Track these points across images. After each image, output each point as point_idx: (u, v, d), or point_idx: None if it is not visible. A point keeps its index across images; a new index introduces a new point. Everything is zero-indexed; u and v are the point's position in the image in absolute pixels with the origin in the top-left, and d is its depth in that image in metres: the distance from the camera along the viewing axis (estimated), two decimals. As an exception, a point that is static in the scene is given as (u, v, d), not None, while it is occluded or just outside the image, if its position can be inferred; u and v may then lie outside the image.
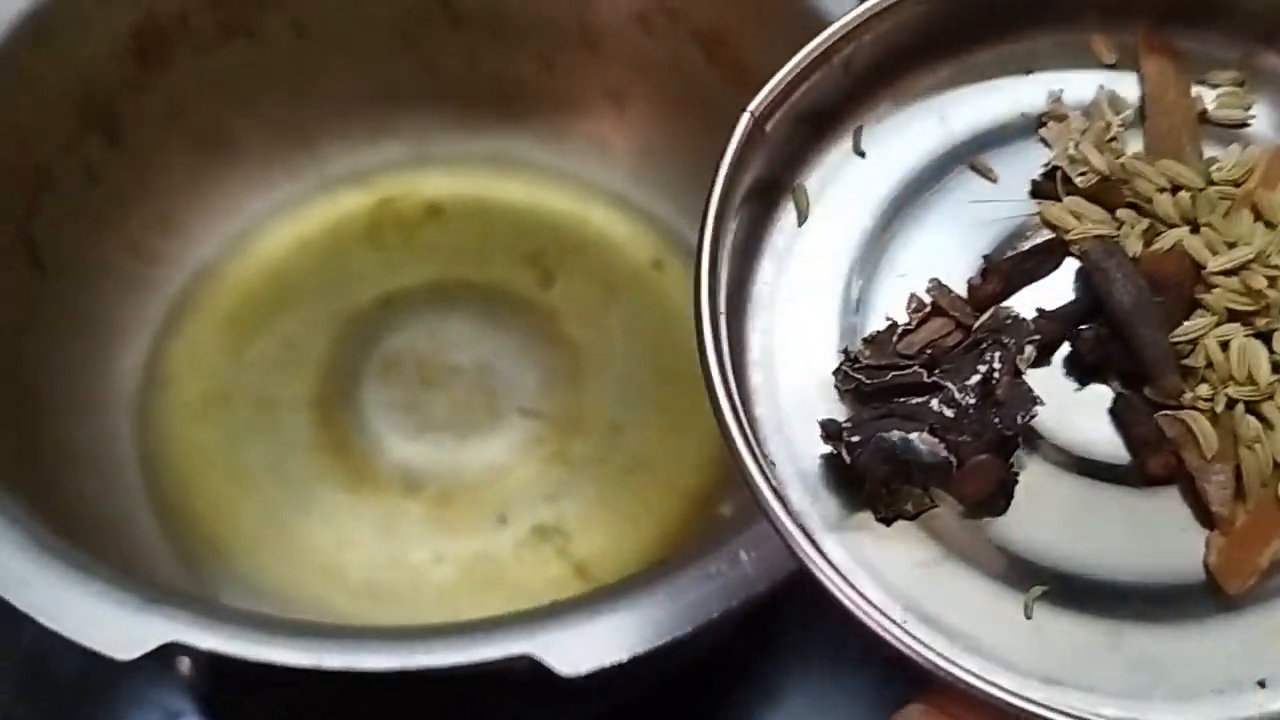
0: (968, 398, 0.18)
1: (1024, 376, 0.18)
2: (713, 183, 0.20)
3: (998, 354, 0.18)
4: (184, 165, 0.44)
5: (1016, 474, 0.18)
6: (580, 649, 0.27)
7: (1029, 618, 0.18)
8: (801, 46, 0.38)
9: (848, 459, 0.18)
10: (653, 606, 0.27)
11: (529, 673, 0.27)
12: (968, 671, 0.17)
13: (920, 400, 0.18)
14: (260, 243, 0.45)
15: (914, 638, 0.17)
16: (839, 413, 0.19)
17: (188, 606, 0.29)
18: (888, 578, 0.18)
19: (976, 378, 0.18)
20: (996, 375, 0.18)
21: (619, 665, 0.27)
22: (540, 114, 0.47)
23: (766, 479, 0.18)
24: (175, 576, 0.38)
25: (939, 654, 0.17)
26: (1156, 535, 0.18)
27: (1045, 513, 0.19)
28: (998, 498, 0.18)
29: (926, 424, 0.18)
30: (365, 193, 0.46)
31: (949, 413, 0.18)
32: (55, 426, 0.39)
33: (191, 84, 0.43)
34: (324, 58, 0.45)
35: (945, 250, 0.20)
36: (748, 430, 0.18)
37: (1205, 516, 0.18)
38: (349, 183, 0.46)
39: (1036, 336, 0.19)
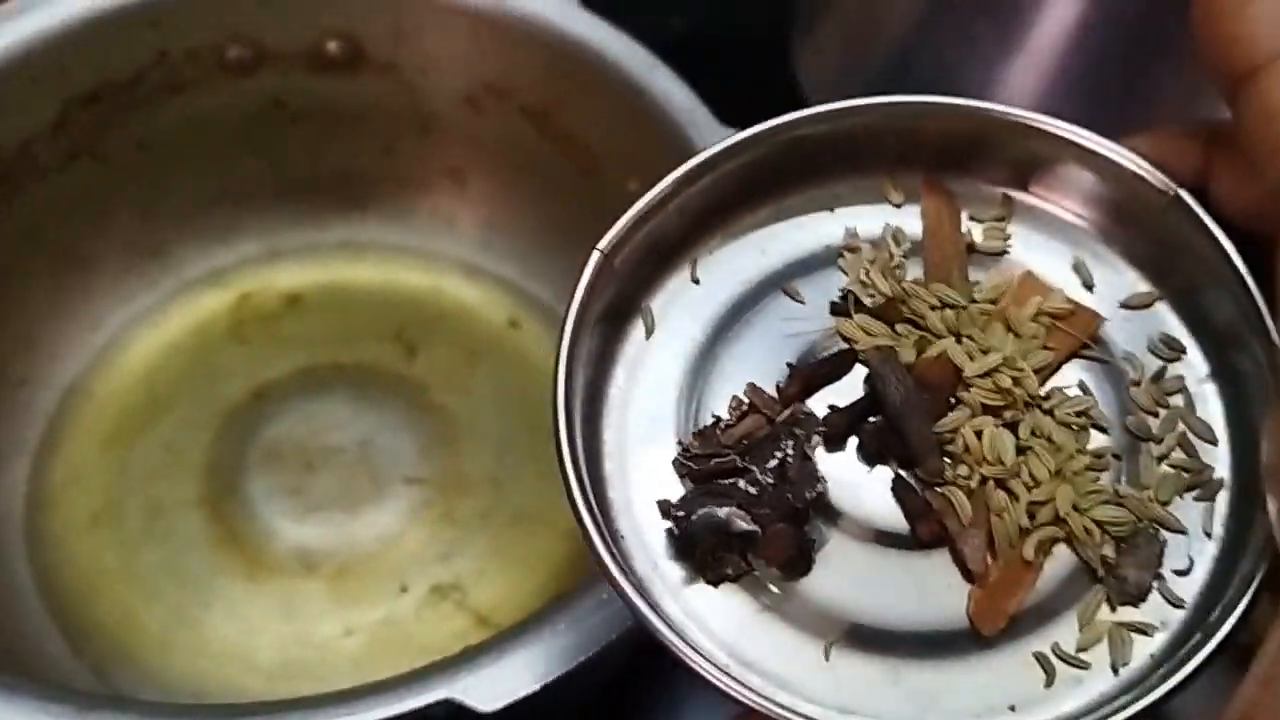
0: (767, 478, 0.22)
1: (813, 460, 0.22)
2: (568, 309, 0.23)
3: (790, 442, 0.22)
4: (41, 287, 0.45)
5: (813, 541, 0.22)
6: (495, 686, 0.29)
7: (827, 659, 0.22)
8: (622, 117, 0.42)
9: (676, 531, 0.22)
10: (556, 637, 0.30)
11: (452, 716, 0.29)
12: (776, 704, 0.20)
13: (731, 481, 0.22)
14: (126, 353, 0.46)
15: (732, 678, 0.21)
16: (678, 495, 0.23)
17: (112, 707, 0.30)
18: (715, 630, 0.22)
19: (774, 462, 0.22)
20: (790, 459, 0.22)
21: (532, 695, 0.29)
22: (384, 197, 0.49)
23: (611, 553, 0.21)
24: (89, 689, 0.38)
25: (752, 690, 0.21)
26: (929, 589, 0.22)
27: (842, 573, 0.22)
28: (798, 561, 0.22)
29: (735, 500, 0.22)
30: (223, 291, 0.48)
31: (753, 490, 0.22)
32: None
33: (41, 209, 0.43)
34: (168, 169, 0.46)
35: (762, 359, 0.24)
36: (596, 514, 0.22)
37: (967, 573, 0.22)
38: (206, 284, 0.48)
39: (823, 428, 0.23)
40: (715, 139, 0.40)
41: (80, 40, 0.41)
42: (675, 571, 0.22)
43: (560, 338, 0.23)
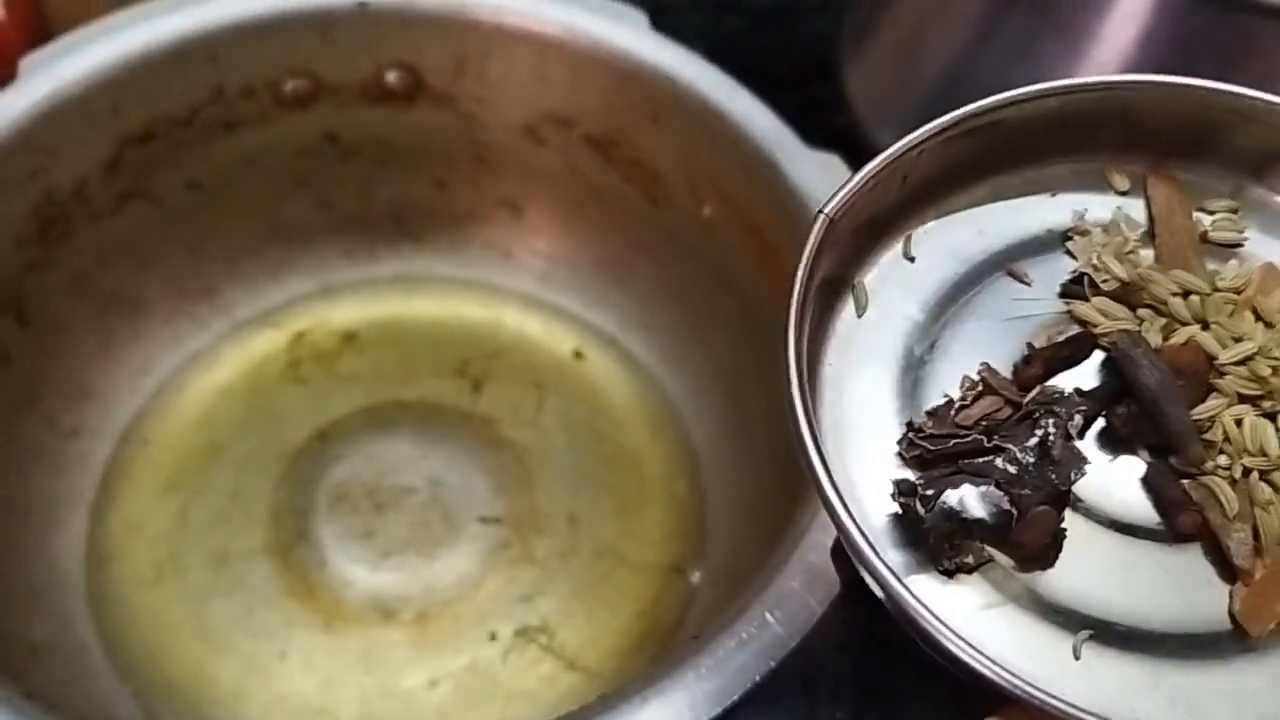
0: (1028, 457, 0.20)
1: (1075, 441, 0.21)
2: (794, 275, 0.21)
3: (1051, 421, 0.21)
4: (92, 333, 0.42)
5: (1065, 529, 0.20)
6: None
7: (1077, 658, 0.20)
8: (698, 142, 0.40)
9: (910, 515, 0.20)
10: (700, 681, 0.28)
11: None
12: (1040, 690, 0.18)
13: (985, 459, 0.20)
14: (180, 398, 0.43)
15: (995, 663, 0.19)
16: (899, 477, 0.21)
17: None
18: (952, 622, 0.20)
19: (1034, 440, 0.20)
20: (1052, 439, 0.20)
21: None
22: (438, 230, 0.47)
23: (862, 532, 0.20)
24: (167, 753, 0.36)
25: (1016, 676, 0.18)
26: (1185, 585, 0.21)
27: (1088, 566, 0.21)
28: (1049, 550, 0.20)
29: (993, 479, 0.20)
30: (277, 331, 0.45)
31: (1012, 470, 0.20)
32: (12, 621, 0.36)
33: (92, 253, 0.41)
34: (219, 209, 0.44)
35: (988, 341, 0.23)
36: (843, 496, 0.20)
37: (1228, 570, 0.21)
38: (259, 324, 0.45)
39: (1083, 408, 0.21)
40: (801, 162, 0.39)
41: (137, 77, 0.39)
42: (902, 561, 0.21)
43: (788, 307, 0.21)
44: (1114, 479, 0.21)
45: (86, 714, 0.36)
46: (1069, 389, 0.22)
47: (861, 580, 0.20)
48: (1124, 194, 0.25)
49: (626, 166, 0.43)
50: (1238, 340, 0.22)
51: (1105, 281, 0.23)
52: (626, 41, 0.41)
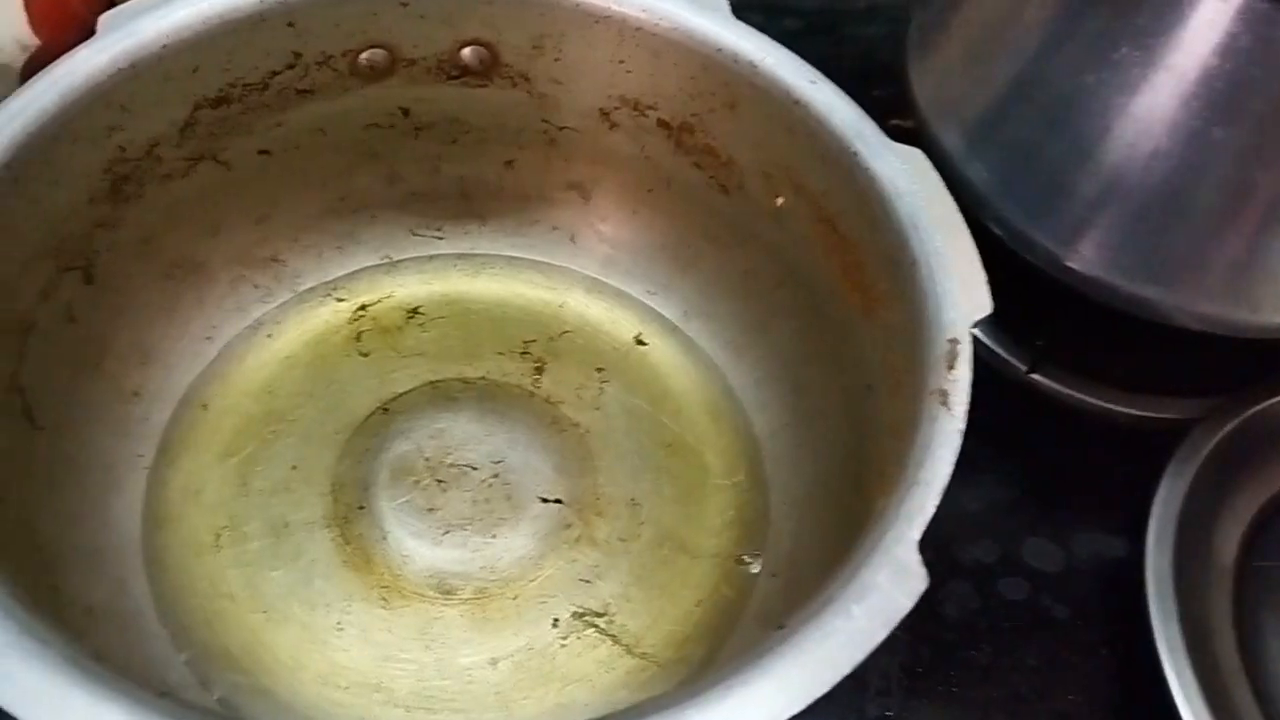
0: None
1: None
2: None
3: None
4: (156, 296, 0.41)
5: None
6: (733, 723, 0.26)
7: None
8: (776, 132, 0.39)
9: None
10: (787, 672, 0.27)
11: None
12: None
13: None
14: (242, 365, 0.42)
15: None
16: None
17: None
18: None
19: None
20: None
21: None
22: (504, 210, 0.46)
23: None
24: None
25: None
26: None
27: None
28: None
29: None
30: (340, 303, 0.44)
31: None
32: (68, 582, 0.35)
33: (160, 214, 0.40)
34: (288, 177, 0.42)
35: None
36: None
37: None
38: (322, 295, 0.44)
39: None
40: (882, 155, 0.38)
41: (216, 39, 0.38)
42: None
43: None
44: None
45: (141, 679, 0.35)
46: None
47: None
48: None
49: (699, 153, 0.42)
50: None
51: None
52: (708, 26, 0.39)
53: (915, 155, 0.37)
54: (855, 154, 0.37)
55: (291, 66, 0.40)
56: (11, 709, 0.25)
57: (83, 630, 0.34)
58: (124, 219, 0.39)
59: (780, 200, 0.40)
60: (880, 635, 0.28)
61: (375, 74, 0.41)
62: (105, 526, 0.38)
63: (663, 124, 0.42)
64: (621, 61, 0.41)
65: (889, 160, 0.37)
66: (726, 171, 0.42)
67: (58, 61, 0.35)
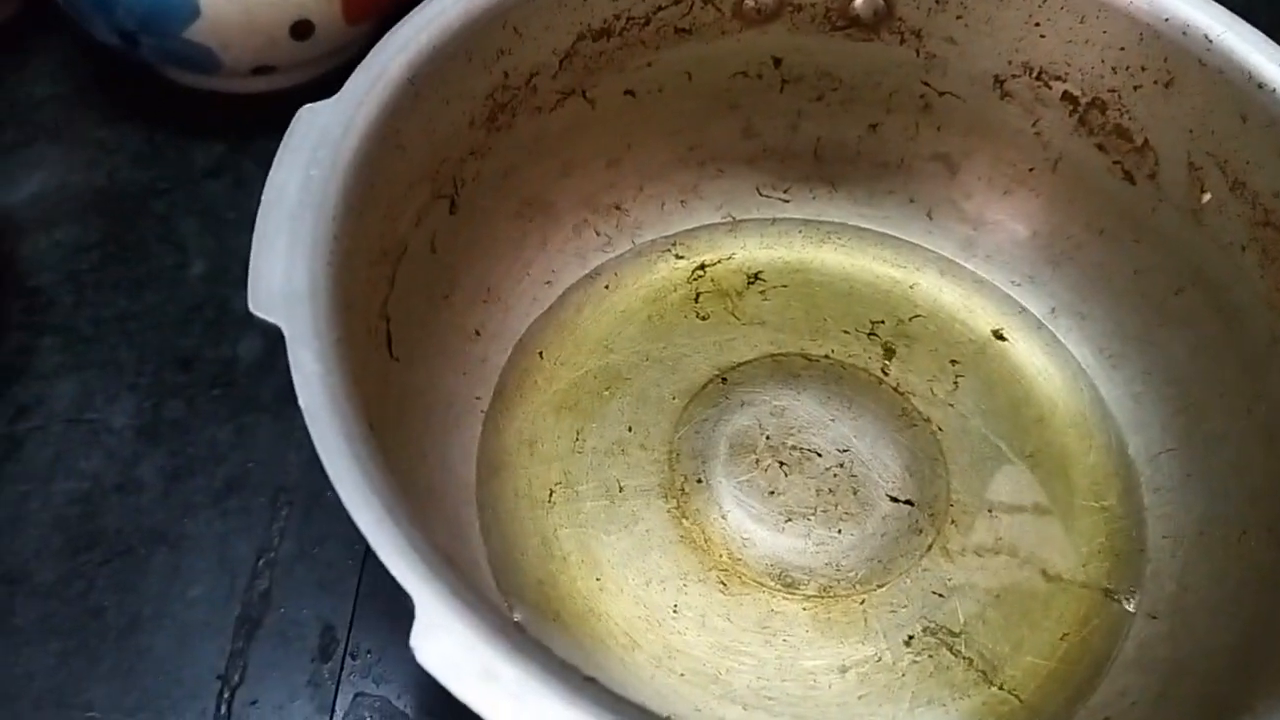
0: None
1: None
2: None
3: None
4: (506, 232, 0.38)
5: None
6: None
7: None
8: (1221, 118, 0.33)
9: None
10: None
11: None
12: None
13: None
14: (580, 315, 0.39)
15: None
16: None
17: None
18: None
19: None
20: None
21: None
22: (859, 176, 0.41)
23: None
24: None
25: None
26: None
27: None
28: None
29: None
30: (679, 260, 0.41)
31: None
32: (415, 521, 0.32)
33: (524, 148, 0.36)
34: (645, 121, 0.39)
35: None
36: None
37: None
38: (662, 249, 0.41)
39: None
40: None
41: (613, -36, 0.34)
42: None
43: None
44: None
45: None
46: None
47: None
48: None
49: (1107, 134, 0.36)
50: None
51: None
52: (1151, -10, 0.34)
53: (1407, 159, 0.31)
54: (1331, 152, 0.31)
55: (677, 2, 0.36)
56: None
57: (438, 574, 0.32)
58: (493, 148, 0.36)
59: (1207, 196, 0.35)
60: None
61: (760, 17, 0.37)
62: (444, 468, 0.35)
63: (1069, 98, 0.37)
64: (1038, 24, 0.36)
65: (1374, 164, 0.31)
66: (1138, 157, 0.36)
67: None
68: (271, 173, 0.28)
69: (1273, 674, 0.25)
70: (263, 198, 0.28)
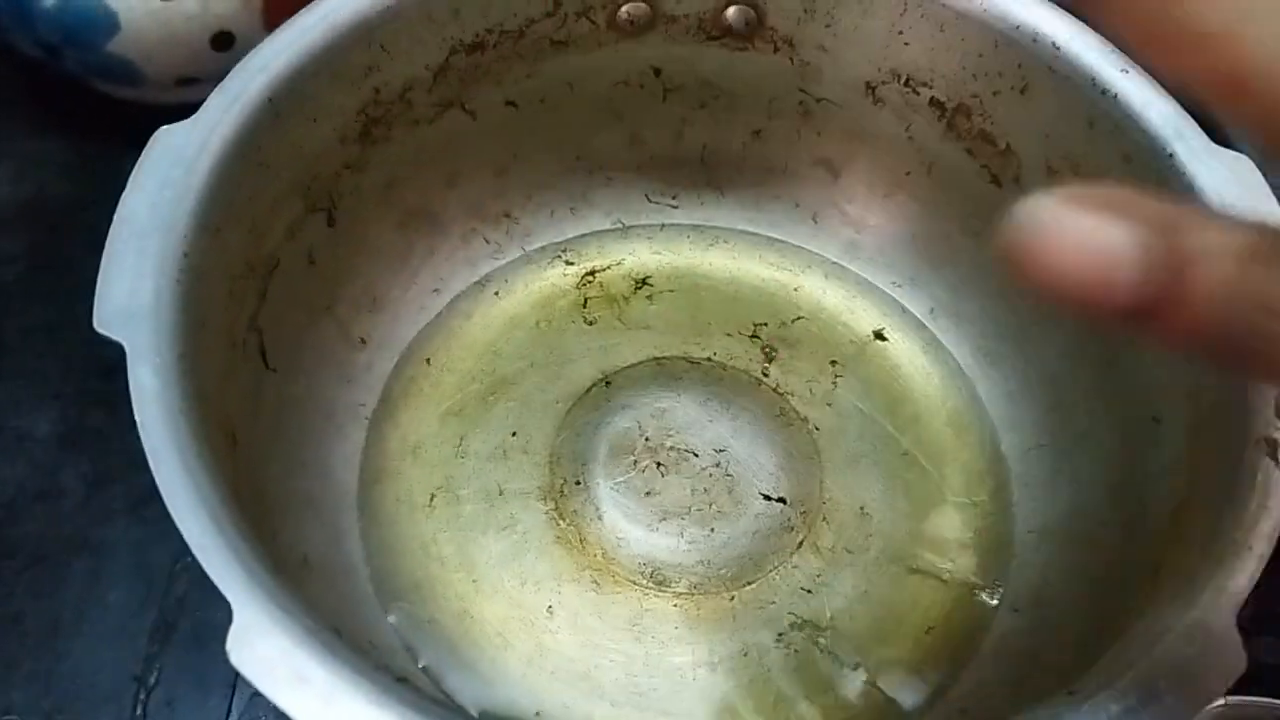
0: None
1: None
2: None
3: None
4: (390, 243, 0.39)
5: None
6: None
7: None
8: (1071, 123, 0.34)
9: None
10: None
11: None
12: None
13: None
14: (468, 322, 0.40)
15: None
16: None
17: None
18: None
19: None
20: None
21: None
22: (745, 182, 0.42)
23: None
24: (431, 695, 0.33)
25: None
26: None
27: None
28: None
29: None
30: (569, 266, 0.41)
31: None
32: (287, 530, 0.33)
33: (404, 160, 0.37)
34: (530, 131, 0.40)
35: None
36: None
37: None
38: (550, 256, 0.41)
39: None
40: (1204, 158, 0.33)
41: (480, -20, 0.35)
42: None
43: None
44: None
45: (350, 635, 0.33)
46: None
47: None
48: None
49: (973, 139, 0.37)
50: None
51: None
52: (1007, 0, 0.35)
53: (1242, 164, 0.32)
54: (1171, 156, 0.32)
55: (550, 15, 0.37)
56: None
57: (300, 581, 0.32)
58: (370, 162, 0.36)
59: (1065, 199, 0.35)
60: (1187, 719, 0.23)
61: (634, 29, 0.38)
62: (324, 476, 0.36)
63: (936, 104, 0.37)
64: (900, 32, 0.37)
65: (1212, 167, 0.31)
66: (1002, 161, 0.37)
67: (324, -3, 0.33)
68: (125, 193, 0.29)
69: (1105, 663, 0.26)
70: (114, 217, 0.29)
